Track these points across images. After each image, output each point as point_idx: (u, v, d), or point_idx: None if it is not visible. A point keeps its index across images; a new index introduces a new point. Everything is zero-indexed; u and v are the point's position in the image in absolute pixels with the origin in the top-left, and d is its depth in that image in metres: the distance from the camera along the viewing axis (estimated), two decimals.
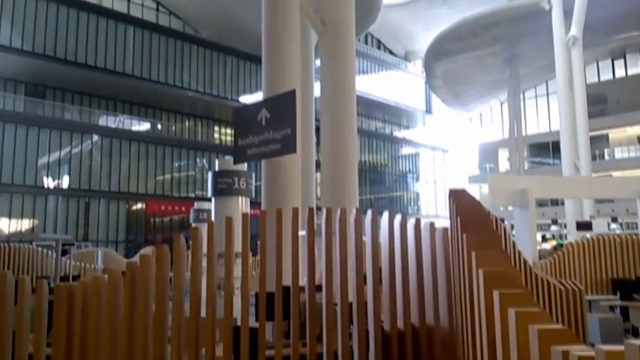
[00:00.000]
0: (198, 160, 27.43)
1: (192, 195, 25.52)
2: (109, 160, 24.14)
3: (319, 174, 6.33)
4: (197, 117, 28.20)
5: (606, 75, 31.68)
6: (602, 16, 19.38)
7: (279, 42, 5.26)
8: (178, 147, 26.62)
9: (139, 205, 25.07)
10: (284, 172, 5.08)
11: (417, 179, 38.75)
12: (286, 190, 5.04)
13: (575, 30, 15.30)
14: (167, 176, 26.28)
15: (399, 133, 38.18)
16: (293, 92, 4.46)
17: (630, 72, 30.94)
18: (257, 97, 27.28)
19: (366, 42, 34.62)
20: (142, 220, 25.23)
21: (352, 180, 5.75)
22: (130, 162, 24.81)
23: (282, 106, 4.50)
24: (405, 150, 38.54)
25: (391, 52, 37.40)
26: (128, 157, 24.75)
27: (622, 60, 31.38)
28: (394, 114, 36.69)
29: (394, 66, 37.03)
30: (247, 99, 27.49)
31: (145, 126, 26.36)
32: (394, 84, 36.10)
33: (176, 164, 26.66)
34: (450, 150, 41.04)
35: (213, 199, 7.55)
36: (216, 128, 29.13)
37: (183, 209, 23.94)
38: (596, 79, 31.08)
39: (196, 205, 13.71)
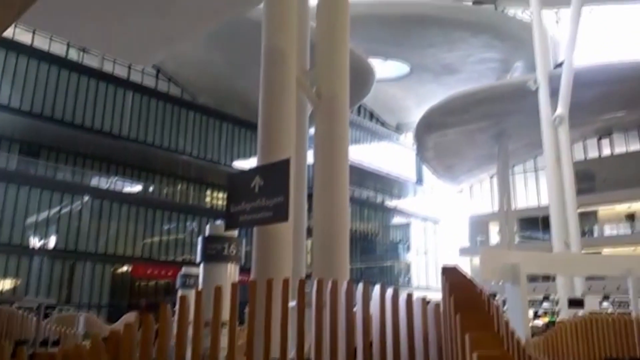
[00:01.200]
0: (188, 223, 27.27)
1: (180, 259, 25.11)
2: (97, 221, 23.91)
3: (310, 242, 6.31)
4: (190, 180, 28.35)
5: (593, 153, 32.49)
6: (588, 97, 20.19)
7: (275, 112, 5.41)
8: (169, 209, 26.51)
9: (125, 268, 24.59)
10: (275, 240, 5.07)
11: (408, 249, 38.59)
12: (277, 259, 5.00)
13: (561, 109, 15.86)
14: (156, 239, 25.97)
15: (390, 203, 38.42)
16: (287, 161, 4.54)
17: (617, 150, 31.80)
18: (251, 162, 27.64)
19: (359, 113, 35.59)
20: (127, 284, 24.64)
21: (343, 248, 5.73)
22: (120, 223, 24.59)
23: (275, 174, 4.56)
24: (397, 220, 38.63)
25: (383, 124, 38.39)
26: (117, 218, 24.55)
27: (608, 139, 32.31)
28: (386, 184, 37.12)
29: (386, 137, 37.89)
30: (241, 164, 27.79)
31: (136, 188, 26.37)
32: (385, 155, 36.79)
33: (165, 227, 26.44)
34: (442, 221, 41.19)
35: (202, 264, 7.45)
36: (208, 192, 29.21)
37: (170, 273, 23.48)
38: (583, 157, 31.84)
39: (184, 270, 13.44)
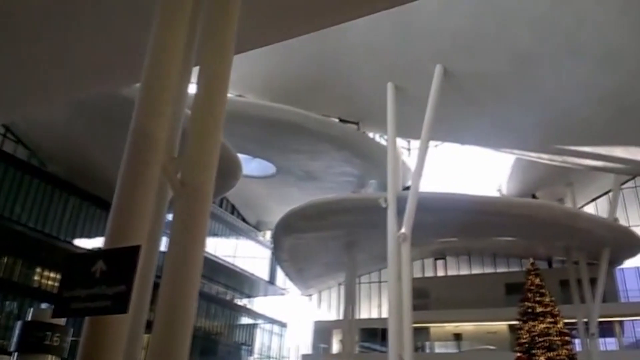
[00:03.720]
0: (7, 303, 23.62)
1: None
2: None
3: (147, 336, 5.84)
4: (20, 254, 25.00)
5: (429, 273, 35.46)
6: (428, 221, 22.36)
7: (132, 194, 5.18)
8: None
9: None
10: (108, 332, 4.62)
11: (251, 352, 37.21)
12: (106, 353, 4.52)
13: (405, 229, 17.30)
14: None
15: (240, 301, 37.39)
16: (137, 248, 4.30)
17: (449, 272, 35.11)
18: (95, 243, 25.43)
19: (221, 205, 35.33)
20: None
21: (183, 347, 5.38)
22: None
23: (122, 261, 4.27)
24: (244, 320, 37.46)
25: (244, 219, 38.41)
26: None
27: (443, 261, 35.69)
28: (238, 281, 36.31)
29: (244, 233, 37.76)
30: (84, 243, 25.46)
31: None
32: (241, 250, 36.41)
33: None
34: (289, 325, 40.84)
35: (15, 355, 6.43)
36: (38, 270, 25.90)
37: None
38: (421, 275, 34.55)
39: None
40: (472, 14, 14.91)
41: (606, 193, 33.84)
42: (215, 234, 33.39)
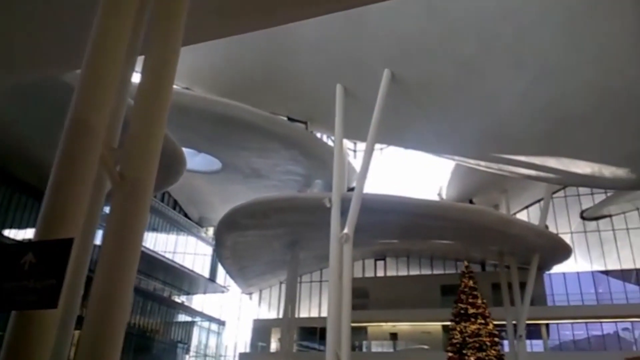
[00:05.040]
0: None
1: None
2: None
3: (77, 332, 5.63)
4: None
5: (370, 273, 36.05)
6: (370, 222, 22.74)
7: (67, 185, 4.97)
8: None
9: None
10: (35, 327, 4.42)
11: (188, 350, 36.51)
12: (33, 349, 4.32)
13: (348, 229, 17.51)
14: None
15: (178, 298, 36.60)
16: (70, 241, 4.13)
17: (389, 273, 35.83)
18: (25, 234, 24.18)
19: (162, 200, 34.47)
20: None
21: (115, 345, 5.21)
22: None
23: (53, 254, 4.09)
24: (181, 318, 36.70)
25: (186, 215, 37.64)
26: None
27: (383, 262, 36.38)
28: (177, 278, 35.53)
29: (186, 229, 37.01)
30: (14, 234, 24.16)
31: None
32: (182, 247, 35.67)
33: None
34: (227, 323, 40.39)
35: None
36: None
37: None
38: (361, 275, 35.08)
39: None
40: (420, 21, 15.30)
41: (538, 201, 35.63)
42: (154, 229, 32.53)
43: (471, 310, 18.70)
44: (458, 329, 18.57)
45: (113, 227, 5.43)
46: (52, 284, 3.94)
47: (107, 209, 5.98)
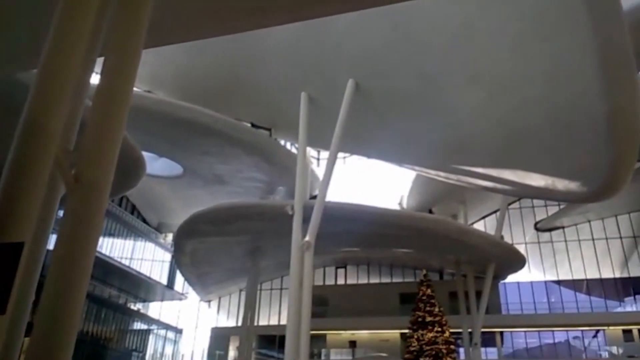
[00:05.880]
0: None
1: None
2: None
3: (28, 339, 5.44)
4: None
5: (331, 280, 36.15)
6: (332, 230, 22.85)
7: (18, 187, 4.83)
8: None
9: None
10: None
11: (143, 359, 35.63)
12: None
13: (309, 237, 17.54)
14: None
15: (134, 305, 35.71)
16: (20, 245, 4.02)
17: (349, 281, 36.01)
18: None
19: (120, 204, 33.66)
20: None
21: (66, 353, 5.07)
22: None
23: (2, 258, 3.97)
24: (137, 326, 35.81)
25: (144, 220, 36.84)
26: None
27: (344, 270, 36.55)
28: (133, 284, 34.67)
29: (144, 234, 36.21)
30: None
31: None
32: (139, 253, 34.86)
33: None
34: (184, 331, 39.67)
35: None
36: None
37: None
38: (322, 282, 35.14)
39: None
40: (384, 35, 15.59)
41: (494, 212, 36.64)
42: (111, 234, 31.70)
43: (428, 319, 19.04)
44: (415, 336, 18.86)
45: (66, 231, 5.30)
46: (1, 289, 3.82)
47: (62, 213, 5.83)
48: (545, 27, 12.14)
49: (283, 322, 28.09)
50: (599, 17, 10.83)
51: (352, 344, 33.48)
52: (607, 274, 35.37)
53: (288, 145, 31.36)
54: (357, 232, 25.81)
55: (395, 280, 36.12)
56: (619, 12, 10.78)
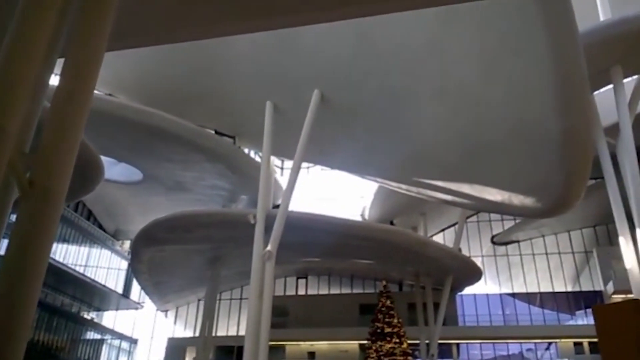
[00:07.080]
0: None
1: None
2: None
3: None
4: None
5: (291, 291, 35.97)
6: (294, 240, 22.80)
7: None
8: None
9: None
10: None
11: None
12: None
13: (271, 246, 17.45)
14: None
15: (87, 314, 34.53)
16: None
17: (310, 291, 35.92)
18: None
19: (76, 210, 32.62)
20: None
21: None
22: None
23: None
24: (90, 335, 34.62)
25: (101, 226, 35.78)
26: None
27: (305, 280, 36.44)
28: (87, 292, 33.54)
29: (100, 241, 35.15)
30: None
31: None
32: (94, 260, 33.79)
33: None
34: (140, 341, 38.60)
35: None
36: None
37: None
38: (283, 293, 34.93)
39: None
40: (350, 47, 15.79)
41: (453, 225, 37.38)
42: (65, 240, 30.64)
43: (387, 330, 19.19)
44: (374, 347, 18.97)
45: (19, 236, 5.11)
46: None
47: (14, 218, 5.62)
48: (507, 47, 12.56)
49: (242, 332, 27.73)
50: (556, 40, 11.30)
51: (311, 355, 33.33)
52: (559, 287, 36.54)
53: (252, 154, 31.19)
54: (319, 242, 25.82)
55: (355, 291, 36.27)
56: (575, 36, 11.28)
